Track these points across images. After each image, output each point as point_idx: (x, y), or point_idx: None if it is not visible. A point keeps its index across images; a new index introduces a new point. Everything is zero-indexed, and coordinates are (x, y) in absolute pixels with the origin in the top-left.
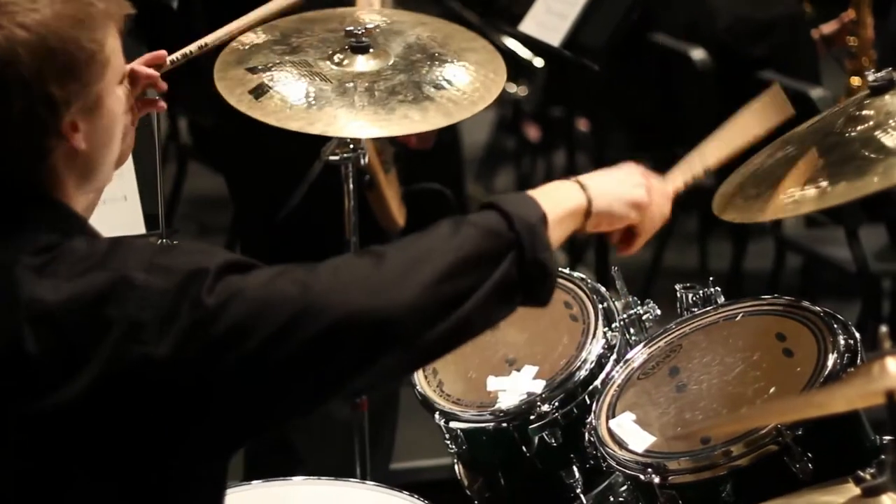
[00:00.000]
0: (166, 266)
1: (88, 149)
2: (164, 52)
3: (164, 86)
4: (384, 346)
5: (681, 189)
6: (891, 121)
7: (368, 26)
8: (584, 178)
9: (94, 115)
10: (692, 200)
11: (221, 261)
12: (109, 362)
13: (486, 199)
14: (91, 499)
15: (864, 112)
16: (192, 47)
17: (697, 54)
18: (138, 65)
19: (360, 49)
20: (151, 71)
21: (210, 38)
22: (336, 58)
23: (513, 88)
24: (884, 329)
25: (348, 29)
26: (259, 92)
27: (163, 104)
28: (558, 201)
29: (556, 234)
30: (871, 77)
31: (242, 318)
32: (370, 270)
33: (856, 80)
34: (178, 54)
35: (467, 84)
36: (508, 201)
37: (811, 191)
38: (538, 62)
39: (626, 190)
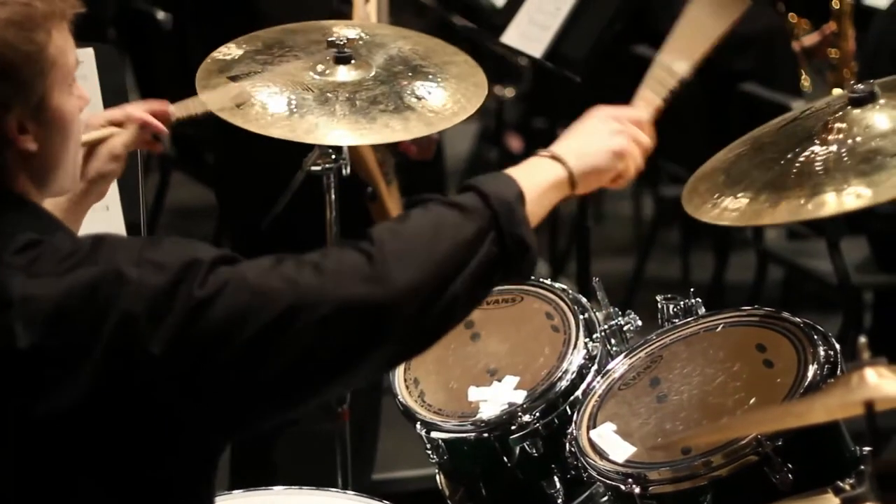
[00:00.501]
0: (157, 261)
1: (41, 150)
2: (167, 104)
3: (165, 143)
4: (378, 334)
5: (660, 108)
6: (867, 135)
7: (351, 37)
8: (559, 148)
9: (41, 116)
10: (674, 211)
11: (211, 254)
12: (105, 358)
13: (464, 184)
14: (90, 499)
15: (838, 124)
16: (199, 110)
17: (679, 66)
18: (147, 115)
19: (343, 60)
20: (161, 126)
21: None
22: (318, 68)
23: (500, 91)
24: (863, 340)
25: (330, 40)
26: (241, 100)
27: (160, 146)
28: (536, 176)
29: (538, 207)
30: (852, 88)
31: (235, 309)
32: (359, 260)
33: (837, 93)
34: (183, 114)
35: (448, 96)
36: (485, 182)
37: (795, 200)
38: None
39: (604, 143)
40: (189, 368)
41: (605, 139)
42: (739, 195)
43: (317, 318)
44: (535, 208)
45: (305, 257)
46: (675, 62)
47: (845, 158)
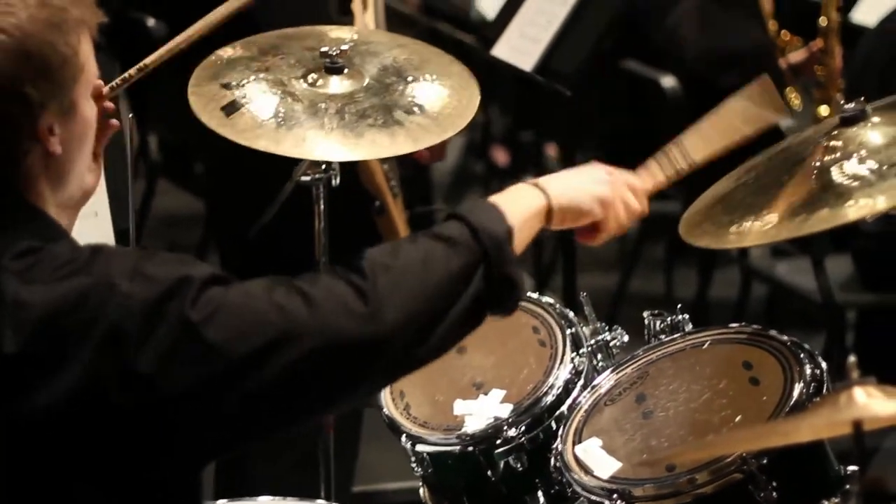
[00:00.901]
0: (150, 274)
1: (63, 154)
2: (99, 82)
3: (111, 106)
4: (367, 368)
5: (663, 184)
6: (862, 151)
7: (343, 48)
8: (544, 179)
9: (69, 120)
10: (659, 227)
11: (204, 273)
12: (94, 367)
13: (452, 211)
14: (86, 501)
15: (833, 142)
16: (132, 70)
17: (668, 81)
18: None
19: (335, 70)
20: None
21: (150, 59)
22: (310, 77)
23: None
24: (852, 359)
25: (323, 50)
26: (230, 109)
27: (116, 122)
28: (520, 206)
29: (522, 237)
30: (843, 107)
31: (225, 333)
32: (351, 296)
33: (823, 110)
34: (117, 80)
35: (439, 109)
36: (474, 212)
37: (787, 218)
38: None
39: (588, 187)
40: (176, 387)
41: (592, 183)
42: (760, 217)
43: (305, 350)
44: (520, 238)
45: (297, 284)
46: (693, 148)
47: (842, 178)
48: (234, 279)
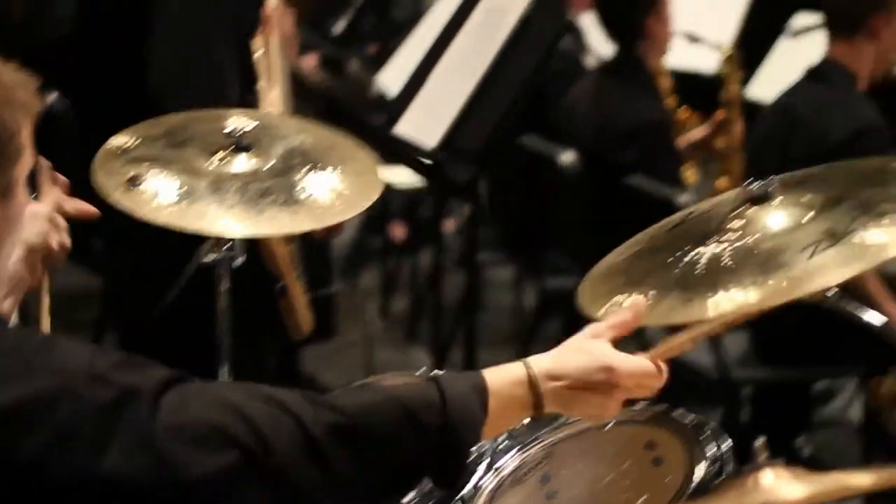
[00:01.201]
0: (107, 376)
1: None
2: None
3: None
4: None
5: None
6: (766, 231)
7: (247, 129)
8: (546, 391)
9: (4, 201)
10: (555, 303)
11: (161, 376)
12: (47, 467)
13: (443, 382)
14: None
15: (736, 223)
16: None
17: (566, 158)
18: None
19: (241, 149)
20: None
21: None
22: (216, 155)
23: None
24: (760, 441)
25: (226, 131)
26: (134, 182)
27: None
28: (510, 410)
29: (494, 427)
30: (750, 186)
31: (181, 449)
32: (300, 440)
33: (723, 183)
34: None
35: (340, 192)
36: (459, 407)
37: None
38: None
39: (592, 414)
40: (130, 484)
41: (597, 413)
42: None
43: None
44: (490, 431)
45: (253, 421)
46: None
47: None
48: (186, 375)
